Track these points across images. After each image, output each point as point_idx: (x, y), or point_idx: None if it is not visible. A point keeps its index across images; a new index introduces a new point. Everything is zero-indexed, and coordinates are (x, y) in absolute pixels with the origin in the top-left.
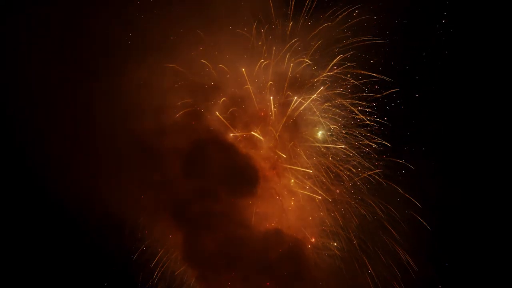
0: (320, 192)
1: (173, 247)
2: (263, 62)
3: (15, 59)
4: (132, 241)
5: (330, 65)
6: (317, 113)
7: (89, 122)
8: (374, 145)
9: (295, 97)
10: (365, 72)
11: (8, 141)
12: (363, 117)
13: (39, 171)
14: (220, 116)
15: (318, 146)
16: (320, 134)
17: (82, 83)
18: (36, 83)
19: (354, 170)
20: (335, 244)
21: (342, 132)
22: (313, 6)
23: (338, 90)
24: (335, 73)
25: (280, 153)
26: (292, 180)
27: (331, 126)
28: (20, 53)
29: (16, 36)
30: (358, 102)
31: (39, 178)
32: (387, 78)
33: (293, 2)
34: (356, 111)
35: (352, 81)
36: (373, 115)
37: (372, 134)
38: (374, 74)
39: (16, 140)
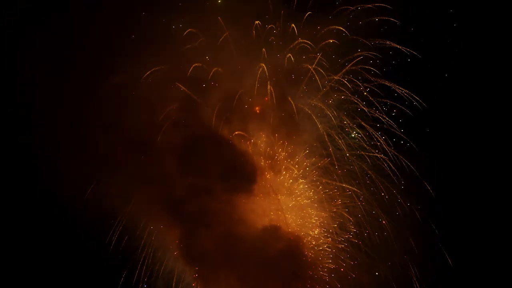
0: (318, 190)
1: (171, 245)
2: (262, 63)
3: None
4: (129, 239)
5: (336, 66)
6: (314, 116)
7: (84, 119)
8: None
9: (295, 97)
10: (369, 77)
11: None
12: (363, 122)
13: (33, 168)
14: (216, 113)
15: (317, 146)
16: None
17: (76, 80)
18: (30, 82)
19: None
20: (333, 243)
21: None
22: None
23: (339, 94)
24: (338, 76)
25: (278, 151)
26: (291, 178)
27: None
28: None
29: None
30: (360, 104)
31: (32, 176)
32: (389, 83)
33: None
34: (357, 116)
35: (357, 87)
36: (373, 119)
37: (375, 140)
38: (376, 79)
39: (9, 137)
